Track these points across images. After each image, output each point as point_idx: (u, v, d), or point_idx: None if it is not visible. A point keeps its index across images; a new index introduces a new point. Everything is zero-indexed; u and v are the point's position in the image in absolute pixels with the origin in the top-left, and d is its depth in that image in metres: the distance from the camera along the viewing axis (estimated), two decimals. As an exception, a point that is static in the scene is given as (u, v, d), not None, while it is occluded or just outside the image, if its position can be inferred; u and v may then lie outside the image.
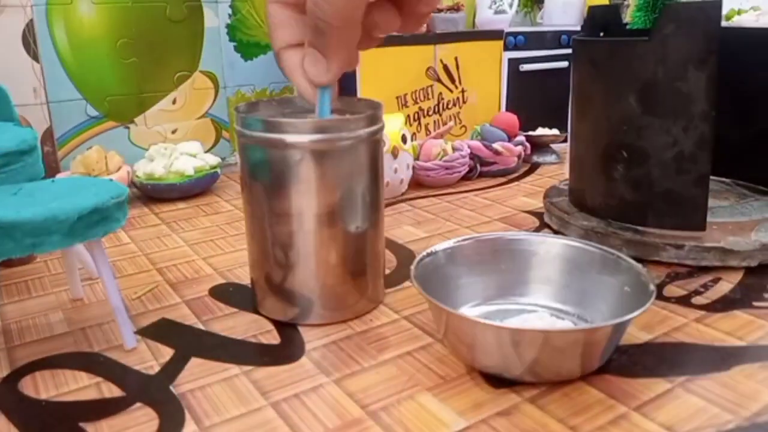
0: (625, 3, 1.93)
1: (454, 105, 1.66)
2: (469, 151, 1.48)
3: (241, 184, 0.84)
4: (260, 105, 0.87)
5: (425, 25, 1.66)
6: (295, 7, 0.40)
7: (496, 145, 1.50)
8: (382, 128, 0.82)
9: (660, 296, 0.88)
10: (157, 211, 1.34)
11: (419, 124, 1.61)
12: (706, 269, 0.95)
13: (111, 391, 0.70)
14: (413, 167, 1.42)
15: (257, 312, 0.86)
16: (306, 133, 0.75)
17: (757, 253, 0.94)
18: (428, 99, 1.61)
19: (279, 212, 0.79)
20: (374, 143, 0.81)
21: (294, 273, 0.80)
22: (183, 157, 1.41)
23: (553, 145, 1.69)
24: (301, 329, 0.81)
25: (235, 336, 0.80)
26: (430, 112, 1.62)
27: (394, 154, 1.34)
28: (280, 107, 0.89)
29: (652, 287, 0.70)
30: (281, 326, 0.82)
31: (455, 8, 1.73)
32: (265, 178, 0.79)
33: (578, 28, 1.78)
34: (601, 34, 1.13)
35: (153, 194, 1.40)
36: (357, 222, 0.80)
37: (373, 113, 0.80)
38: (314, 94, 0.43)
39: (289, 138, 0.75)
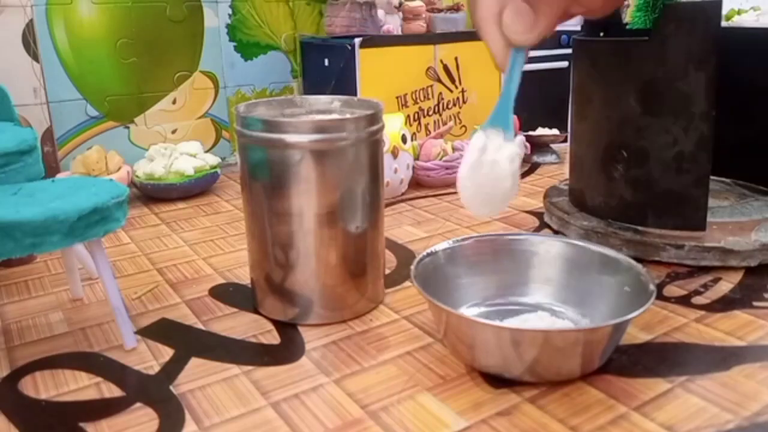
0: (625, 3, 1.93)
1: (454, 105, 1.66)
2: (469, 151, 1.48)
3: (241, 183, 0.84)
4: (260, 105, 0.87)
5: (425, 25, 1.66)
6: None
7: (496, 145, 1.50)
8: (382, 128, 0.82)
9: (660, 296, 0.88)
10: (157, 211, 1.34)
11: (419, 124, 1.61)
12: (706, 269, 0.95)
13: (111, 391, 0.70)
14: (413, 167, 1.42)
15: (257, 312, 0.86)
16: (306, 133, 0.75)
17: (757, 253, 0.94)
18: (428, 99, 1.61)
19: (279, 212, 0.78)
20: (374, 143, 0.81)
21: (294, 273, 0.80)
22: (183, 157, 1.41)
23: (553, 145, 1.69)
24: (301, 329, 0.81)
25: (235, 336, 0.80)
26: (430, 112, 1.62)
27: (394, 154, 1.34)
28: (281, 107, 0.89)
29: (652, 287, 0.70)
30: (281, 326, 0.82)
31: (455, 8, 1.73)
32: (265, 178, 0.79)
33: (578, 28, 1.78)
34: (601, 34, 1.13)
35: (153, 194, 1.40)
36: (357, 222, 0.80)
37: (373, 113, 0.80)
38: (506, 57, 0.34)
39: (289, 138, 0.75)
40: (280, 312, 0.83)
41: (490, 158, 0.46)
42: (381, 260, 0.87)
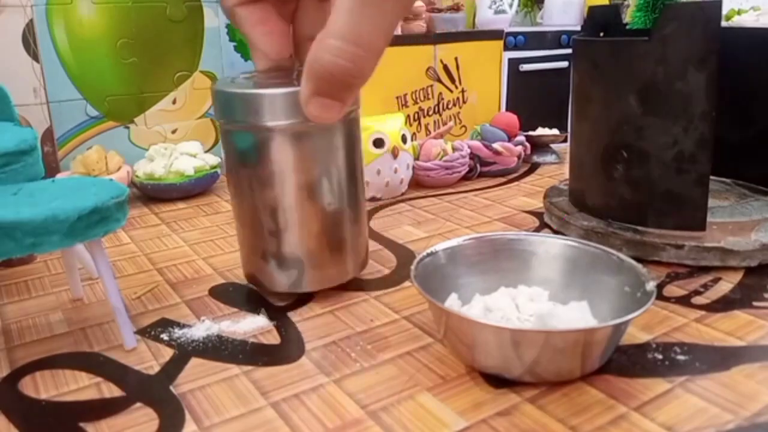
0: (625, 3, 1.93)
1: (454, 105, 1.66)
2: (469, 151, 1.48)
3: (226, 167, 0.86)
4: (238, 81, 0.83)
5: (425, 25, 1.66)
6: None
7: (496, 145, 1.50)
8: (357, 108, 0.85)
9: (660, 296, 0.88)
10: (157, 211, 1.34)
11: (419, 124, 1.61)
12: (706, 269, 0.95)
13: (111, 391, 0.70)
14: (413, 167, 1.42)
15: (252, 290, 0.86)
16: (283, 116, 0.77)
17: (757, 253, 0.94)
18: (428, 99, 1.61)
19: (263, 194, 0.82)
20: (350, 122, 0.84)
21: (282, 247, 0.84)
22: (183, 157, 1.41)
23: (553, 145, 1.69)
24: (300, 328, 0.81)
25: (235, 336, 0.80)
26: (430, 112, 1.62)
27: (394, 154, 1.34)
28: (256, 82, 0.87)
29: (652, 287, 0.70)
30: (281, 326, 0.82)
31: (455, 8, 1.73)
32: (250, 161, 0.81)
33: (578, 28, 1.78)
34: (601, 34, 1.13)
35: (153, 194, 1.40)
36: (335, 198, 0.84)
37: None
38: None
39: (269, 122, 0.77)
40: (275, 282, 0.87)
41: None
42: (363, 231, 0.91)
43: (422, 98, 1.60)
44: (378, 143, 1.34)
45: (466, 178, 1.50)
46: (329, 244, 0.86)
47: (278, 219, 0.83)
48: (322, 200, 0.84)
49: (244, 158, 0.82)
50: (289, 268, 0.85)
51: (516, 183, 1.49)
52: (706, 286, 0.91)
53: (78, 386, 0.71)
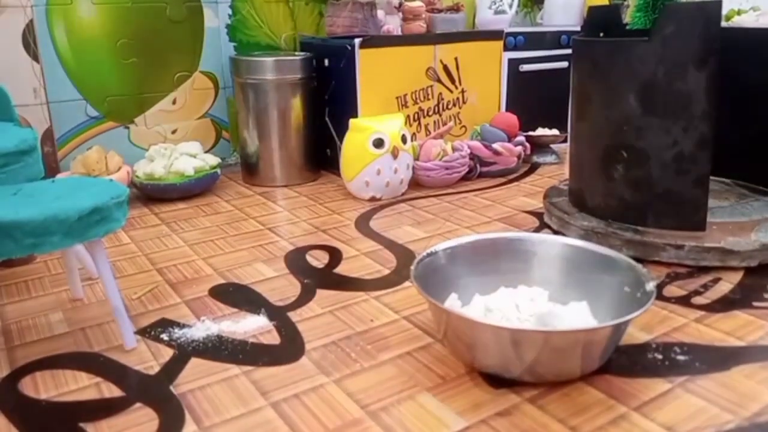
0: (625, 3, 1.93)
1: (454, 105, 1.66)
2: (468, 151, 1.48)
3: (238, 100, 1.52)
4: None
5: (425, 26, 1.66)
6: None
7: (496, 146, 1.50)
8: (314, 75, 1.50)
9: (660, 296, 0.88)
10: (157, 212, 1.34)
11: (419, 124, 1.61)
12: (706, 269, 0.95)
13: (111, 391, 0.70)
14: (413, 167, 1.42)
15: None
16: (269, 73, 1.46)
17: (757, 253, 0.94)
18: (428, 99, 1.61)
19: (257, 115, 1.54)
20: (296, 87, 1.50)
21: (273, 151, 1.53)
22: (183, 157, 1.41)
23: (553, 146, 1.69)
24: (300, 328, 0.81)
25: (235, 336, 0.80)
26: (430, 113, 1.62)
27: (394, 154, 1.34)
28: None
29: (651, 287, 0.70)
30: (281, 326, 0.82)
31: (455, 9, 1.73)
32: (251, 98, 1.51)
33: (578, 29, 1.78)
34: (601, 34, 1.13)
35: (153, 194, 1.40)
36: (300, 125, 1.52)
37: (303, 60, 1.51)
38: None
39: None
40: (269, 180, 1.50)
41: None
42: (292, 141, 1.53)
43: (422, 98, 1.60)
44: (378, 143, 1.34)
45: (466, 178, 1.50)
46: (283, 145, 1.53)
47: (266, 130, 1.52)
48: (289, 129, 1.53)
49: (247, 95, 1.51)
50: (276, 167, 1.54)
51: (516, 183, 1.49)
52: (706, 287, 0.91)
53: (78, 386, 0.71)
